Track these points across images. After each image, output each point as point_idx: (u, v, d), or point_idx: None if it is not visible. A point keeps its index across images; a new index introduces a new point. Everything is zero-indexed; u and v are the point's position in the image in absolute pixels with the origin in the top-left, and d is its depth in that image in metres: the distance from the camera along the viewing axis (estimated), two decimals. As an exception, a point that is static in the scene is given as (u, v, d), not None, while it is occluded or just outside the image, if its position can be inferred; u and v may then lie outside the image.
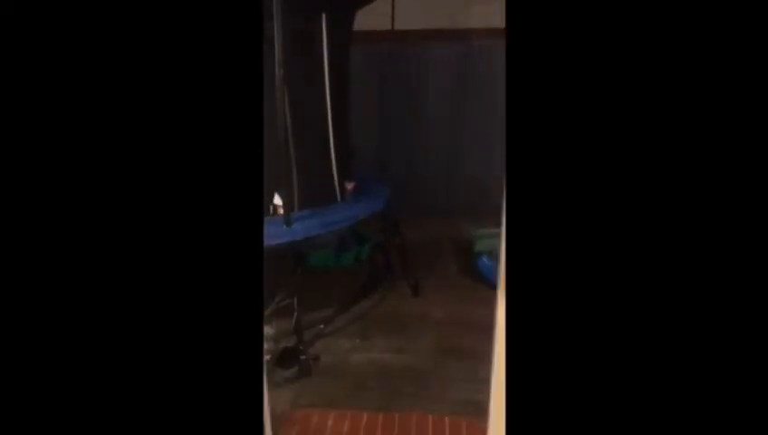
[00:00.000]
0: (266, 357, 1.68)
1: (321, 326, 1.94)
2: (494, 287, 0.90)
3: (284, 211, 1.76)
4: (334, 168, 2.03)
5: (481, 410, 1.45)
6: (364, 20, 2.29)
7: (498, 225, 0.81)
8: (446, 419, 1.46)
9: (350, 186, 2.09)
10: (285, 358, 1.70)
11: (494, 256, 2.22)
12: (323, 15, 1.91)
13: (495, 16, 2.77)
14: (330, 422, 1.46)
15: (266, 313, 1.85)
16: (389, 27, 3.04)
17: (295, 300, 1.75)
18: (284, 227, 1.73)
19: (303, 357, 1.69)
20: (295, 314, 1.75)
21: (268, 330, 1.84)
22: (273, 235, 1.70)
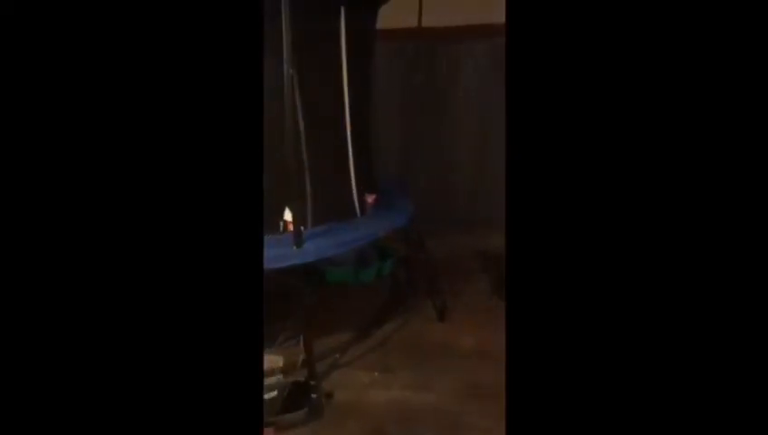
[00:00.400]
0: (272, 394, 1.50)
1: (337, 356, 1.75)
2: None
3: (294, 229, 1.57)
4: (353, 178, 1.84)
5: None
6: (389, 17, 2.12)
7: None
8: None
9: (370, 198, 1.90)
10: (294, 396, 1.51)
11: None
12: (342, 13, 1.73)
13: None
14: (341, 477, 1.28)
15: (272, 348, 1.66)
16: (416, 24, 2.87)
17: (302, 338, 1.57)
18: (294, 247, 1.54)
19: (315, 395, 1.50)
20: (305, 347, 1.57)
21: (276, 360, 1.65)
22: (281, 256, 1.51)
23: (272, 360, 1.67)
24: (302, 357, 1.60)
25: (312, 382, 1.53)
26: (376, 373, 1.67)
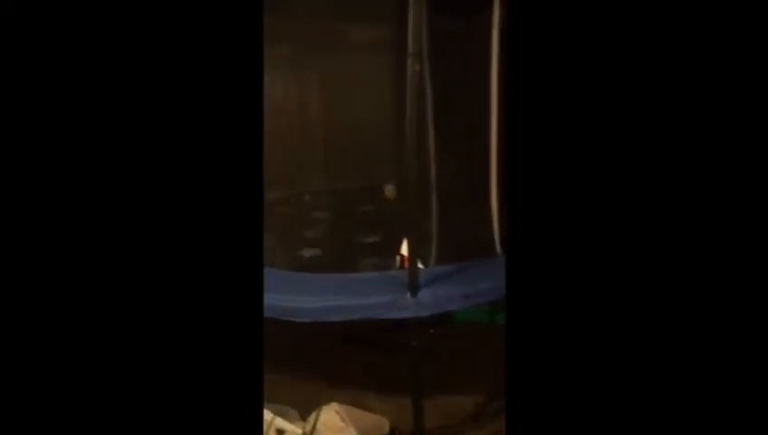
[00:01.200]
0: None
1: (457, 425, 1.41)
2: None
3: (410, 269, 1.23)
4: (494, 204, 1.50)
5: None
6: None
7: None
8: None
9: (515, 230, 1.51)
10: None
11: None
12: (495, 5, 1.44)
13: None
14: None
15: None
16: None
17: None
18: (408, 295, 1.20)
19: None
20: (414, 414, 1.27)
21: (380, 424, 1.35)
22: (388, 305, 1.20)
23: (376, 422, 1.37)
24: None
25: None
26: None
